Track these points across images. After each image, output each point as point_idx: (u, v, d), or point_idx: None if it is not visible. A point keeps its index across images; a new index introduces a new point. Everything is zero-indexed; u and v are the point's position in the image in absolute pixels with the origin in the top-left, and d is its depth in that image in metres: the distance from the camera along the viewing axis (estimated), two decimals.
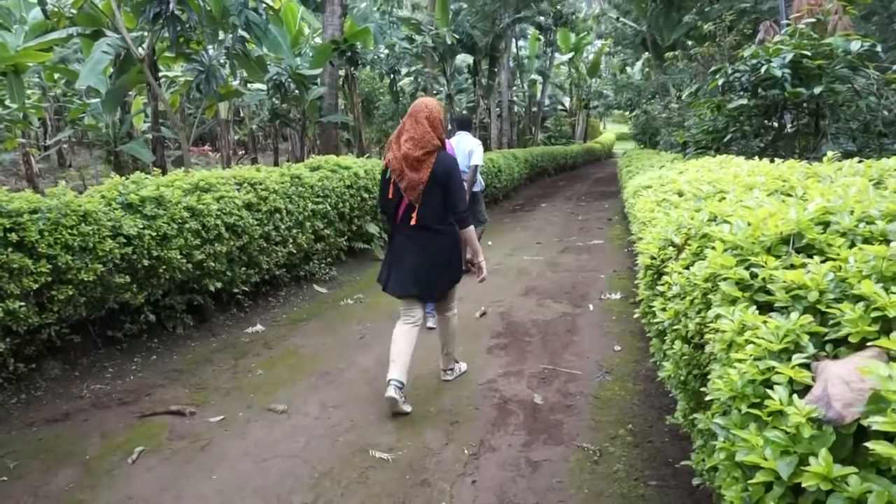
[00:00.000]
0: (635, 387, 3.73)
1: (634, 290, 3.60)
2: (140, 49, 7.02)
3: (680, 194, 3.45)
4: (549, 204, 14.44)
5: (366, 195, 7.48)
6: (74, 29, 7.24)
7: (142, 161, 8.83)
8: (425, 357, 4.32)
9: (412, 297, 3.57)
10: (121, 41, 6.80)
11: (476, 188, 6.54)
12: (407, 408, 3.46)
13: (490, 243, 8.73)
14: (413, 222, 3.42)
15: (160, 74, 8.73)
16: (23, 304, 3.46)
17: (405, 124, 3.42)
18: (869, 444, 0.95)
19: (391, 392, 3.34)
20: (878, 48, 5.22)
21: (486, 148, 16.19)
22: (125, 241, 4.07)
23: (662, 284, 2.36)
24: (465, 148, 6.02)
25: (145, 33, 7.35)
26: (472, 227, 3.59)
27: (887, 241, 1.50)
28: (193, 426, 3.34)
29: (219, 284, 4.97)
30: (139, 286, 4.28)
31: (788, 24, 5.86)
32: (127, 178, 4.58)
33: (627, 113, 24.09)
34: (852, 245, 1.55)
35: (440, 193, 3.40)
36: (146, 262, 4.21)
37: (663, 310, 2.28)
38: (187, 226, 4.54)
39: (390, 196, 3.49)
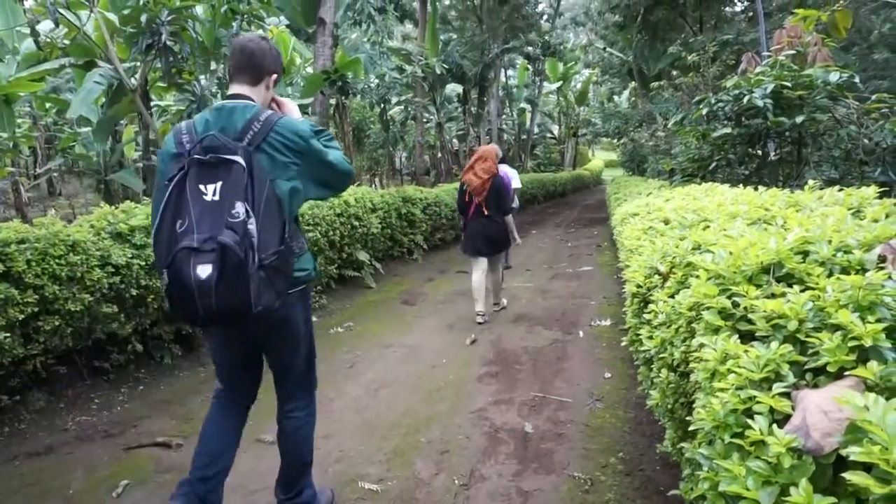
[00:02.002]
0: (626, 414, 3.72)
1: (624, 317, 3.61)
2: (132, 79, 7.05)
3: (666, 222, 3.49)
4: (538, 231, 14.52)
5: (356, 223, 7.49)
6: (67, 59, 7.27)
7: (132, 190, 8.80)
8: (415, 385, 4.31)
9: (481, 255, 5.98)
10: (113, 72, 6.84)
11: (513, 205, 8.17)
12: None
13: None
14: (485, 213, 5.85)
15: (152, 104, 8.75)
16: (8, 335, 3.42)
17: (477, 161, 5.92)
18: (846, 475, 0.96)
19: (479, 320, 5.89)
20: (857, 79, 5.35)
21: None
22: (114, 270, 4.06)
23: (649, 312, 2.38)
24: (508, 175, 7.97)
25: (138, 64, 7.38)
26: (511, 215, 6.14)
27: (864, 271, 1.52)
28: (180, 458, 3.28)
29: None
30: (127, 316, 4.25)
31: (769, 56, 6.00)
32: (117, 208, 4.59)
33: (615, 141, 24.40)
34: (830, 274, 1.57)
35: (495, 198, 5.88)
36: (134, 292, 4.19)
37: (650, 338, 2.29)
38: None
39: (466, 200, 5.98)
